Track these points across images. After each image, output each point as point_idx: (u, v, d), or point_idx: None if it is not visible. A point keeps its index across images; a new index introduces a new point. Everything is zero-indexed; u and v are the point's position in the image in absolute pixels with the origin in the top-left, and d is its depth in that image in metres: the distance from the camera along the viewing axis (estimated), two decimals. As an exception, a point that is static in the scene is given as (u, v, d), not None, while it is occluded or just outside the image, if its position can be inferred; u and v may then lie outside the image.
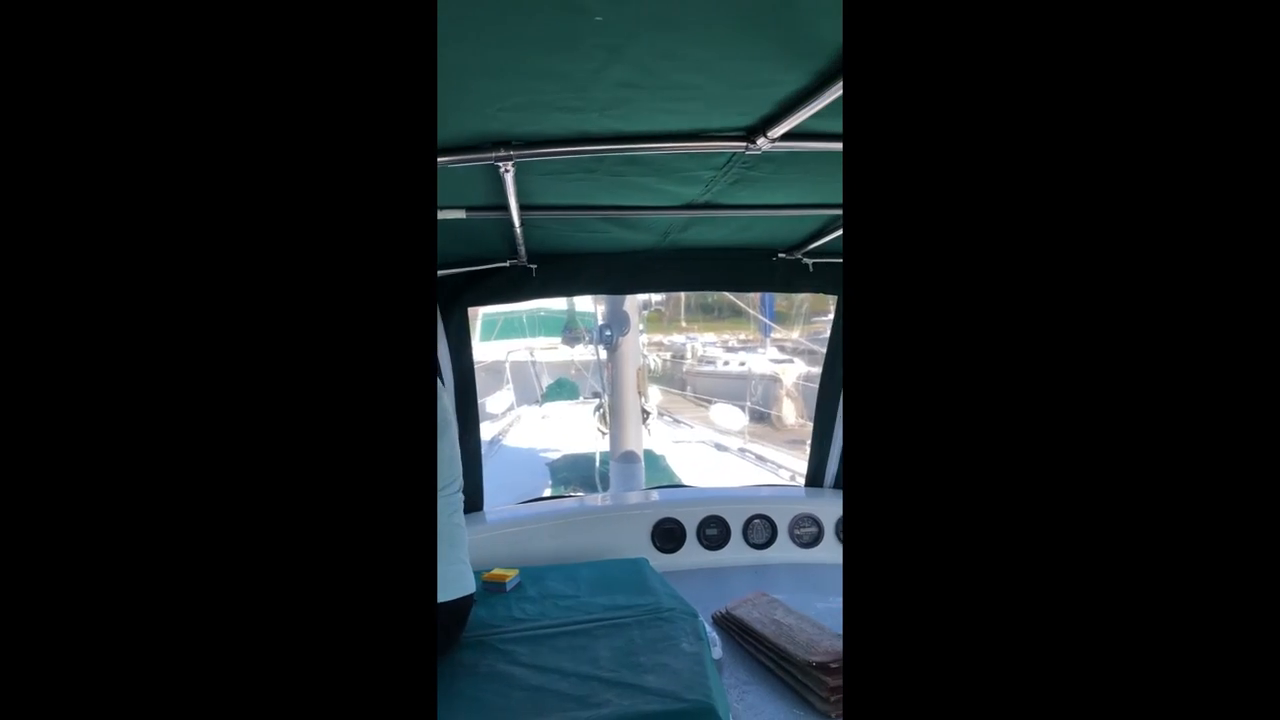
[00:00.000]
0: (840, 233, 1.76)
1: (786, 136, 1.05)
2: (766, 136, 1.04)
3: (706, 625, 1.50)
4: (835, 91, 0.85)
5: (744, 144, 1.08)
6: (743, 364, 12.62)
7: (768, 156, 1.16)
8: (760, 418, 9.96)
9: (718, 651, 1.49)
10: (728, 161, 1.22)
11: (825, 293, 2.28)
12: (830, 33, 0.75)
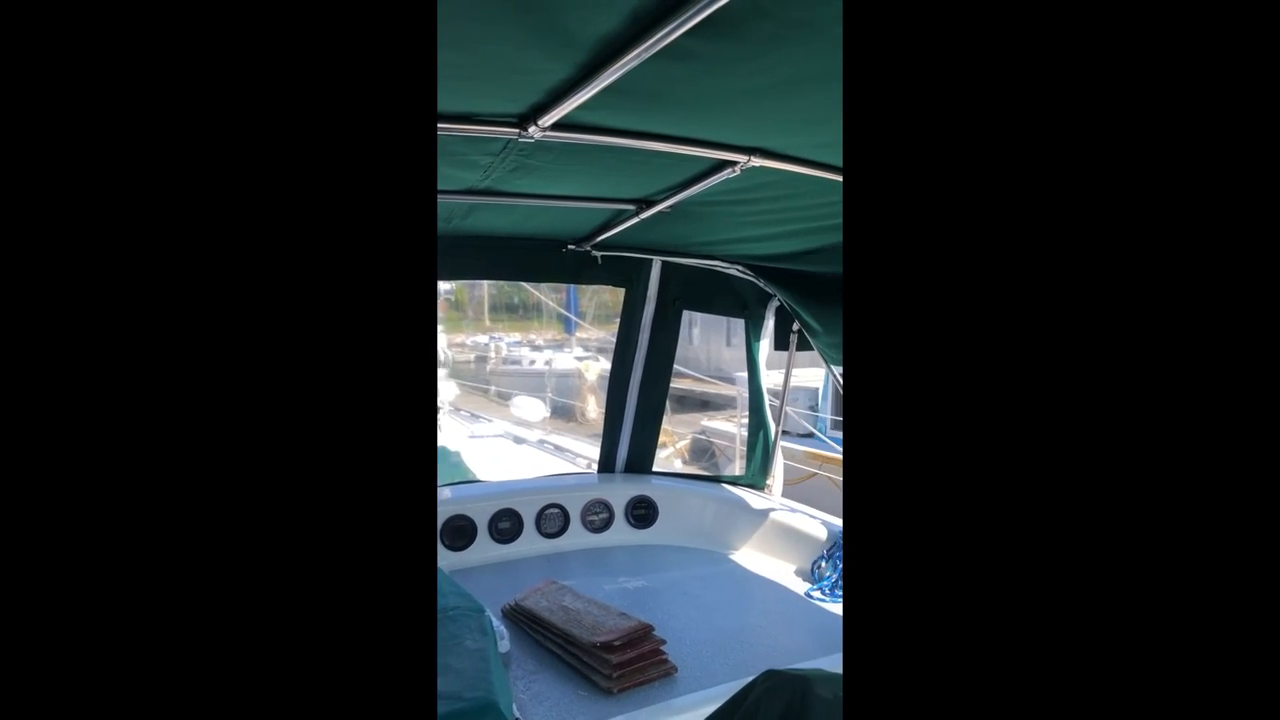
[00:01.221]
0: (625, 226, 1.83)
1: (558, 126, 1.06)
2: (538, 125, 1.05)
3: (494, 620, 1.47)
4: (599, 84, 0.88)
5: (517, 130, 1.08)
6: (549, 362, 12.65)
7: (545, 146, 1.17)
8: (563, 410, 10.05)
9: (505, 645, 1.47)
10: (504, 148, 1.21)
11: (614, 285, 2.36)
12: (584, 26, 0.77)
